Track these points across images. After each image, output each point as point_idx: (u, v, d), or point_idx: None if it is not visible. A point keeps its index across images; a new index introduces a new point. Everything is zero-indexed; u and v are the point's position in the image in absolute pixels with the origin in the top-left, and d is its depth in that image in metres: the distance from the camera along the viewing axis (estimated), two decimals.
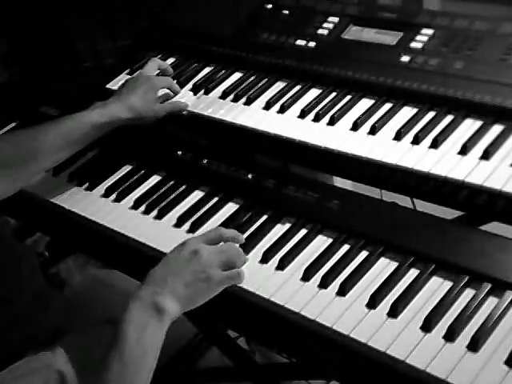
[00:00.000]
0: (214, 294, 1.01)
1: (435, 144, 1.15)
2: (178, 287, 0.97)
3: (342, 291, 1.02)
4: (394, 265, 1.05)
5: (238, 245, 1.11)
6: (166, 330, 0.96)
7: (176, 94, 1.45)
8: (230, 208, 1.24)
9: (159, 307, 0.95)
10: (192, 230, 1.20)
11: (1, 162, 1.22)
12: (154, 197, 1.29)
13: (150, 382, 0.96)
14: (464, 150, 1.13)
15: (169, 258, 1.02)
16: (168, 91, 1.44)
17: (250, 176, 1.28)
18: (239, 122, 1.33)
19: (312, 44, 1.43)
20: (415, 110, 1.25)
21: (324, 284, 1.04)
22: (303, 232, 1.15)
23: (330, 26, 1.44)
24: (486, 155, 1.10)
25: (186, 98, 1.44)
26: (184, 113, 1.41)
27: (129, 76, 1.56)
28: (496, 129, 1.16)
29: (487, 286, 0.98)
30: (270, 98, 1.36)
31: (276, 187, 1.23)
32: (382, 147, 1.18)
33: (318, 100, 1.33)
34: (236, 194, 1.26)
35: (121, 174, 1.38)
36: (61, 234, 1.43)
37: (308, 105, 1.32)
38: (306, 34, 1.45)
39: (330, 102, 1.31)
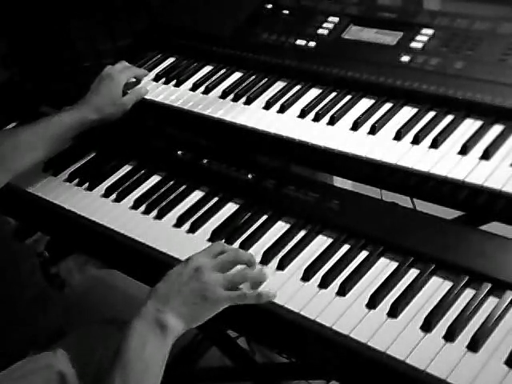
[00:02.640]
0: (215, 312, 1.00)
1: (435, 144, 1.15)
2: (179, 305, 0.97)
3: (342, 291, 1.02)
4: (393, 265, 1.05)
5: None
6: (169, 347, 0.95)
7: (142, 78, 1.51)
8: (230, 208, 1.24)
9: (162, 324, 0.95)
10: (192, 230, 1.19)
11: None
12: (154, 197, 1.29)
13: None
14: (464, 150, 1.13)
15: (172, 273, 1.01)
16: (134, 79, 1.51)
17: (249, 176, 1.28)
18: (239, 121, 1.33)
19: (312, 44, 1.43)
20: (415, 110, 1.25)
21: (324, 284, 1.04)
22: (303, 232, 1.15)
23: (330, 25, 1.44)
24: (486, 155, 1.10)
25: (185, 97, 1.44)
26: (184, 111, 1.41)
27: None
28: (496, 129, 1.16)
29: (487, 286, 0.98)
30: (270, 98, 1.36)
31: (276, 187, 1.23)
32: (382, 147, 1.18)
33: (318, 100, 1.33)
34: (236, 194, 1.25)
35: (121, 174, 1.38)
36: (61, 233, 1.43)
37: (308, 104, 1.32)
38: (306, 34, 1.45)
39: (330, 101, 1.31)
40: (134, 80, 1.51)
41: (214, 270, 1.01)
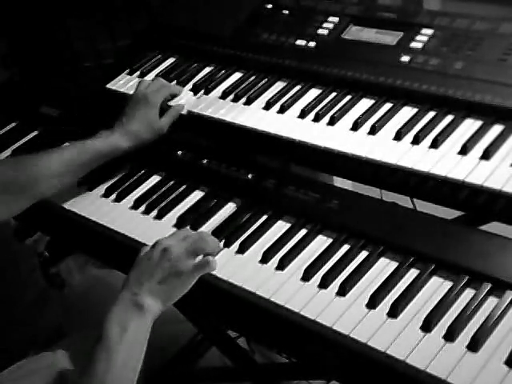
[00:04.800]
0: (190, 285, 1.04)
1: (435, 144, 1.15)
2: (154, 286, 1.00)
3: (342, 291, 1.02)
4: (393, 265, 1.05)
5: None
6: (149, 327, 0.99)
7: (177, 95, 1.45)
8: (230, 208, 1.24)
9: (139, 305, 0.98)
10: (192, 229, 1.19)
11: (0, 187, 1.20)
12: (154, 197, 1.29)
13: (148, 382, 0.96)
14: (464, 150, 1.13)
15: (141, 260, 1.05)
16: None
17: (249, 176, 1.28)
18: (239, 121, 1.33)
19: (312, 44, 1.43)
20: (415, 110, 1.24)
21: (324, 284, 1.04)
22: (303, 232, 1.15)
23: (330, 25, 1.44)
24: (486, 155, 1.10)
25: (186, 98, 1.44)
26: (184, 112, 1.41)
27: (129, 76, 1.56)
28: (496, 129, 1.16)
29: (487, 286, 0.98)
30: (270, 98, 1.36)
31: (276, 187, 1.23)
32: (382, 147, 1.18)
33: (318, 100, 1.33)
34: (236, 194, 1.26)
35: (121, 174, 1.38)
36: (61, 233, 1.43)
37: (308, 105, 1.32)
38: (306, 34, 1.45)
39: (330, 101, 1.31)
40: (170, 97, 1.43)
41: (179, 246, 1.04)
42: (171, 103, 1.42)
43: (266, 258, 1.10)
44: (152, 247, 1.05)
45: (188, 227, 1.20)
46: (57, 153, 1.28)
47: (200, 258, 1.06)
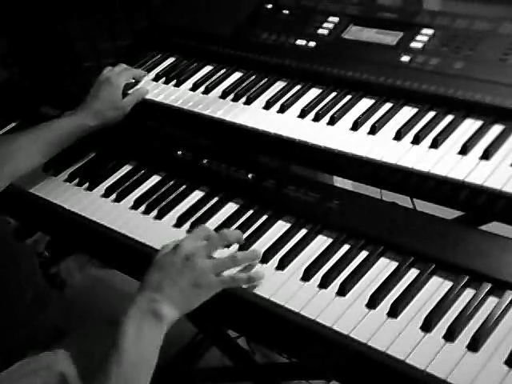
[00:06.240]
0: (208, 297, 1.02)
1: (435, 144, 1.15)
2: (175, 294, 0.99)
3: (342, 291, 1.02)
4: (393, 265, 1.05)
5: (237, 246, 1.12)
6: (163, 334, 0.97)
7: (140, 79, 1.51)
8: (230, 208, 1.24)
9: (157, 313, 0.97)
10: (192, 229, 1.19)
11: None
12: (154, 197, 1.29)
13: (150, 382, 0.96)
14: (464, 150, 1.13)
15: (163, 262, 1.02)
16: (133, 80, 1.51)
17: (249, 176, 1.28)
18: (239, 121, 1.33)
19: (312, 44, 1.43)
20: (415, 110, 1.24)
21: (324, 284, 1.04)
22: (303, 232, 1.15)
23: (330, 25, 1.44)
24: (486, 155, 1.10)
25: (186, 97, 1.44)
26: (183, 112, 1.41)
27: None
28: (496, 129, 1.16)
29: (487, 286, 0.98)
30: (270, 98, 1.36)
31: (276, 187, 1.23)
32: (382, 147, 1.18)
33: (318, 100, 1.33)
34: (236, 194, 1.26)
35: (121, 174, 1.38)
36: (61, 234, 1.43)
37: (308, 104, 1.32)
38: (305, 34, 1.45)
39: (330, 101, 1.31)
40: (133, 81, 1.50)
41: (205, 256, 1.03)
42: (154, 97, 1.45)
43: (266, 257, 1.10)
44: (174, 250, 1.03)
45: (187, 226, 1.20)
46: (26, 133, 1.35)
47: None
